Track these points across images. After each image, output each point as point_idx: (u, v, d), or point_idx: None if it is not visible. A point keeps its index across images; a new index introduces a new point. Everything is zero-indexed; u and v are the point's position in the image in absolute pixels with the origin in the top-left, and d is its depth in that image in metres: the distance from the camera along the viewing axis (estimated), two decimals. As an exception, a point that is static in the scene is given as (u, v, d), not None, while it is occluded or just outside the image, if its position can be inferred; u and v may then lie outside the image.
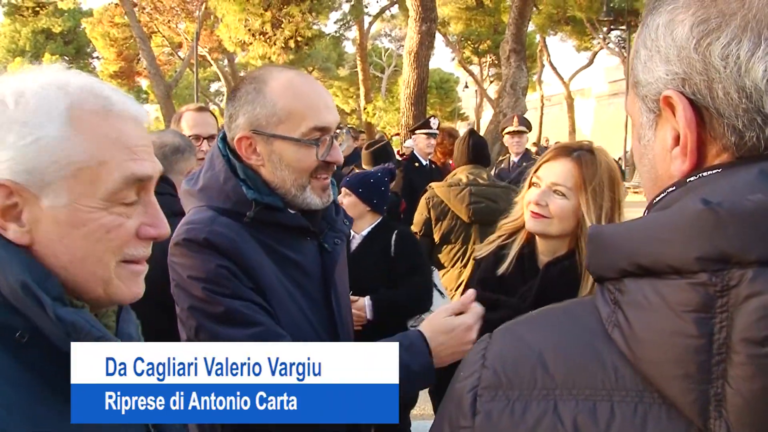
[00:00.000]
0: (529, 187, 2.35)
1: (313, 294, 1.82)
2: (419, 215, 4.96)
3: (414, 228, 4.93)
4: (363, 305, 3.41)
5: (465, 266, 4.71)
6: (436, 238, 4.87)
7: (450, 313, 1.75)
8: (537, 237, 2.31)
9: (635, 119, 0.85)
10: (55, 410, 0.95)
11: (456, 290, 4.43)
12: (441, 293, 3.11)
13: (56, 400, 0.95)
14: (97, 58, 45.92)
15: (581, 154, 2.24)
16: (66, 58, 42.65)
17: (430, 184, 5.03)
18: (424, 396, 3.68)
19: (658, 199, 0.80)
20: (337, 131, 1.78)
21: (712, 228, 0.65)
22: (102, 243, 1.03)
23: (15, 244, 0.98)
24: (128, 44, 36.63)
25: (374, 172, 3.89)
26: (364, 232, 3.70)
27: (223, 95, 45.70)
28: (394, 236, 3.76)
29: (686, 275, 0.66)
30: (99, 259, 1.03)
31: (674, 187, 0.78)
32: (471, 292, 1.81)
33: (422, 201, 4.97)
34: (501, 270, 2.35)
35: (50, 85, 1.02)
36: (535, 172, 2.33)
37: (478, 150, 4.97)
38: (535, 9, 23.40)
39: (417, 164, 6.89)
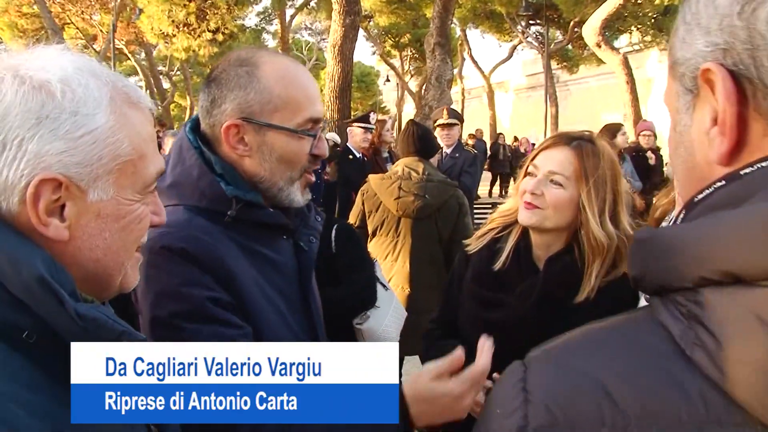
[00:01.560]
0: (524, 176, 2.20)
1: (291, 296, 1.69)
2: (355, 207, 4.93)
3: (350, 219, 4.90)
4: None
5: (396, 260, 4.71)
6: (369, 230, 4.84)
7: (434, 375, 1.49)
8: (531, 231, 2.18)
9: (672, 105, 0.75)
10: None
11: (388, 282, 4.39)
12: (384, 286, 3.05)
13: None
14: (4, 50, 43.85)
15: (581, 143, 2.11)
16: (-30, 49, 40.58)
17: (369, 176, 5.00)
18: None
19: (703, 195, 0.70)
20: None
21: None
22: (134, 233, 1.06)
23: (27, 236, 0.93)
24: (39, 36, 35.13)
25: None
26: None
27: (141, 90, 44.49)
28: (333, 231, 3.72)
29: None
30: (128, 249, 1.06)
31: (723, 182, 0.67)
32: (460, 352, 1.49)
33: (359, 193, 4.94)
34: (497, 266, 2.21)
35: (83, 73, 0.99)
36: (532, 160, 2.19)
37: (422, 141, 4.88)
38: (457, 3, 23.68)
39: (351, 156, 6.93)
